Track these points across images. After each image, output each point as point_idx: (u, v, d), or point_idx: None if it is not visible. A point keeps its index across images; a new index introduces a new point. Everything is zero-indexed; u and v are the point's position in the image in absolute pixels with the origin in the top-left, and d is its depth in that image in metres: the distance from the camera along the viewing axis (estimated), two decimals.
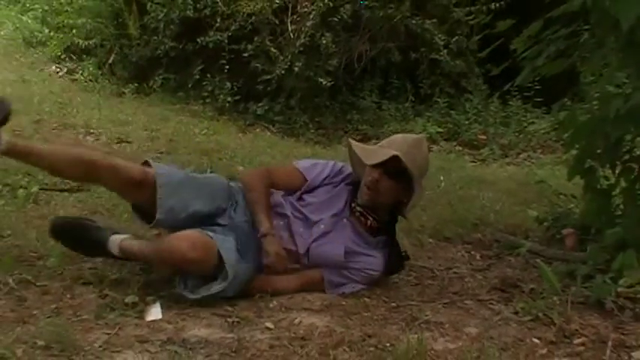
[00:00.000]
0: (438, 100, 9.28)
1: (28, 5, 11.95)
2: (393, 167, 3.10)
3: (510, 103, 9.16)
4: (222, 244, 2.95)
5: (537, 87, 8.28)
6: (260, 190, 3.22)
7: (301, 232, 3.21)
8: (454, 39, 9.27)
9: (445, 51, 9.13)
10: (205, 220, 3.11)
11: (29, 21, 11.53)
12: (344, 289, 3.19)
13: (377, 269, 3.25)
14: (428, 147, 3.35)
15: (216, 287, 2.93)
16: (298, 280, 3.16)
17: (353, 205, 3.28)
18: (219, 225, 3.13)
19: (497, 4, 8.71)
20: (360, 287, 3.22)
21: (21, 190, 4.49)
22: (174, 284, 3.00)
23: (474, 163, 7.64)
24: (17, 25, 11.59)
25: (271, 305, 3.02)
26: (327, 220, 3.23)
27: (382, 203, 3.25)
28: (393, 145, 3.17)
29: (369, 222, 3.26)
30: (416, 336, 2.69)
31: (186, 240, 2.88)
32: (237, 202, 3.24)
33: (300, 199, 3.31)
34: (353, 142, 3.35)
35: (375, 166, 3.15)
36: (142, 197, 3.11)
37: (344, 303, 3.11)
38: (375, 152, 3.18)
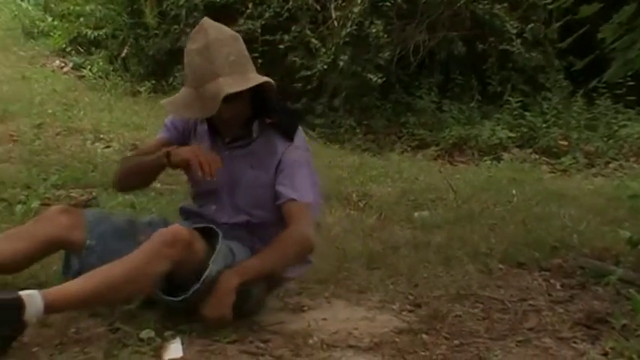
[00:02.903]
0: (510, 99, 9.22)
1: None
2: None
3: (597, 102, 9.07)
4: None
5: (630, 83, 8.19)
6: None
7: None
8: (529, 26, 9.23)
9: (518, 41, 9.09)
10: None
11: (30, 8, 11.73)
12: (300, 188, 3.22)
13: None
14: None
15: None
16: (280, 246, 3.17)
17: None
18: None
19: None
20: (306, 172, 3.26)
21: (19, 206, 4.57)
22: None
23: (552, 174, 7.59)
24: (16, 13, 11.79)
25: (311, 342, 3.02)
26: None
27: (244, 116, 3.25)
28: (202, 74, 3.12)
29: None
30: None
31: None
32: None
33: None
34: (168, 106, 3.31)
35: None
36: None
37: (397, 340, 3.10)
38: (200, 100, 3.12)
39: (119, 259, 3.03)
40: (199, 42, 3.10)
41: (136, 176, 3.38)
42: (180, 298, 2.96)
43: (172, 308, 3.02)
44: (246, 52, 3.22)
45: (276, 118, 3.30)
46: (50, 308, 2.77)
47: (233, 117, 3.18)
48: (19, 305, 2.69)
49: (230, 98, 3.04)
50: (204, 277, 2.95)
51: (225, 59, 3.07)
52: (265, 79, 3.17)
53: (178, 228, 2.99)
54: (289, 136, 3.28)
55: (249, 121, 3.26)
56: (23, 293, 2.71)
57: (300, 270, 3.42)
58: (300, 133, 3.33)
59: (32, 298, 2.72)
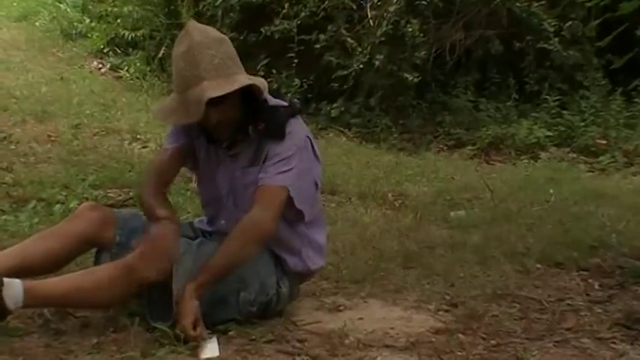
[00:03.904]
0: (548, 97, 9.16)
1: None
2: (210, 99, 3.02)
3: (636, 100, 8.99)
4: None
5: None
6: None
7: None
8: (567, 24, 9.16)
9: (556, 39, 9.02)
10: None
11: (68, 9, 11.82)
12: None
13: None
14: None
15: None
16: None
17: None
18: None
19: None
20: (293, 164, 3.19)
21: (58, 206, 4.62)
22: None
23: (591, 174, 7.53)
24: (54, 15, 11.90)
25: (347, 341, 3.03)
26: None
27: (235, 120, 3.18)
28: (186, 79, 3.08)
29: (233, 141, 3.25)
30: None
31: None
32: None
33: None
34: (157, 113, 3.34)
35: None
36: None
37: (434, 340, 3.10)
38: (184, 105, 3.08)
39: (98, 267, 3.13)
40: (184, 45, 3.07)
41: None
42: (169, 324, 2.96)
43: None
44: (234, 55, 3.15)
45: (266, 120, 3.21)
46: (29, 296, 2.88)
47: (222, 121, 3.12)
48: None
49: (216, 102, 3.01)
50: (174, 299, 2.98)
51: (209, 62, 3.02)
52: (251, 81, 3.11)
53: (137, 263, 2.98)
54: (279, 137, 3.19)
55: (244, 125, 3.20)
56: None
57: (320, 262, 3.38)
58: (295, 125, 3.23)
59: (12, 282, 2.85)
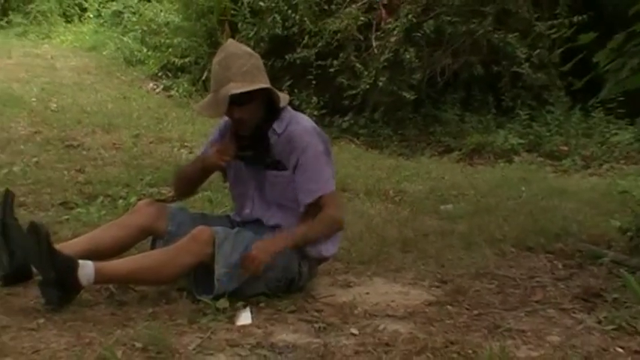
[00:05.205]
0: (520, 112, 9.10)
1: (128, 27, 12.29)
2: (235, 99, 3.04)
3: (593, 114, 8.92)
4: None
5: (621, 98, 8.02)
6: None
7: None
8: (536, 52, 9.09)
9: (527, 64, 8.96)
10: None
11: (129, 41, 11.87)
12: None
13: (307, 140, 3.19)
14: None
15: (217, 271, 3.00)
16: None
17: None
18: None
19: (580, 18, 8.49)
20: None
21: (121, 201, 4.64)
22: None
23: (555, 174, 7.48)
24: (119, 46, 11.96)
25: (356, 312, 3.03)
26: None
27: (255, 120, 3.17)
28: (219, 80, 3.10)
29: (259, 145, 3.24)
30: (498, 344, 2.65)
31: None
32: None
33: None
34: (196, 107, 3.42)
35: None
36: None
37: (427, 310, 3.10)
38: (215, 101, 3.11)
39: (154, 251, 3.17)
40: (220, 55, 3.13)
41: (184, 182, 3.42)
42: (211, 297, 2.99)
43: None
44: (261, 68, 3.19)
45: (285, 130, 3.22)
46: (99, 275, 2.91)
47: (244, 119, 3.14)
48: (73, 266, 2.86)
49: (241, 102, 3.04)
50: (215, 278, 2.99)
51: (238, 69, 3.06)
52: (271, 87, 3.14)
53: (202, 228, 3.04)
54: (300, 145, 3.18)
55: (265, 127, 3.20)
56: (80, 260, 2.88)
57: (334, 249, 3.38)
58: (313, 135, 3.23)
59: (85, 264, 2.88)
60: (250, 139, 3.20)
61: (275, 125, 3.19)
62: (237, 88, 3.02)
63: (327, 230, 3.23)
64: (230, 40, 3.36)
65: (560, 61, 8.33)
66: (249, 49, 3.25)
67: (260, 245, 3.05)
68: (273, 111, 3.20)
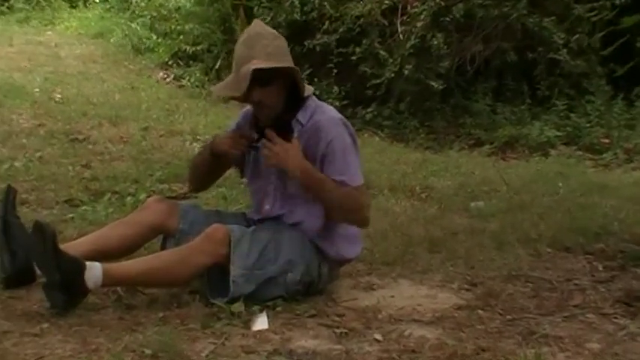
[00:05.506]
0: (557, 102, 9.06)
1: (137, 12, 12.31)
2: (257, 78, 3.00)
3: (636, 104, 8.86)
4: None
5: None
6: None
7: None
8: (574, 37, 9.03)
9: (565, 50, 8.90)
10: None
11: (138, 28, 11.89)
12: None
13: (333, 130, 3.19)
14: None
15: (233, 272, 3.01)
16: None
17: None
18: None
19: None
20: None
21: (129, 198, 4.67)
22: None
23: (595, 169, 7.44)
24: (126, 32, 11.98)
25: (380, 316, 3.03)
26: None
27: (276, 106, 3.15)
28: (241, 59, 3.09)
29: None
30: (533, 351, 2.64)
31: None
32: None
33: None
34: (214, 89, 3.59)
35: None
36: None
37: (456, 315, 3.09)
38: (236, 79, 3.08)
39: (165, 251, 3.17)
40: (244, 35, 3.13)
41: (196, 173, 3.43)
42: (225, 300, 3.00)
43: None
44: (286, 50, 3.17)
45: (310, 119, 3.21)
46: (107, 277, 2.91)
47: (264, 103, 3.10)
48: (80, 268, 2.86)
49: (263, 82, 3.02)
50: (231, 280, 3.01)
51: (262, 48, 3.05)
52: (294, 67, 3.11)
53: (216, 226, 3.05)
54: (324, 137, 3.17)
55: (288, 118, 3.17)
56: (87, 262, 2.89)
57: (356, 251, 3.39)
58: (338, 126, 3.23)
59: (93, 265, 2.89)
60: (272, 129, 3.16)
61: (299, 115, 3.18)
62: (259, 64, 3.00)
63: (347, 208, 3.14)
64: (256, 21, 3.36)
65: (601, 47, 8.29)
66: (274, 31, 3.25)
67: (293, 153, 3.05)
68: (296, 100, 3.18)
